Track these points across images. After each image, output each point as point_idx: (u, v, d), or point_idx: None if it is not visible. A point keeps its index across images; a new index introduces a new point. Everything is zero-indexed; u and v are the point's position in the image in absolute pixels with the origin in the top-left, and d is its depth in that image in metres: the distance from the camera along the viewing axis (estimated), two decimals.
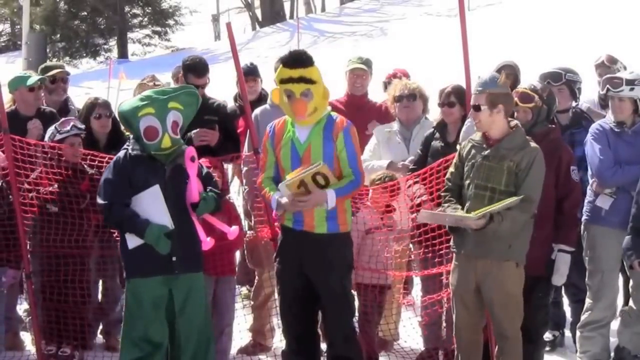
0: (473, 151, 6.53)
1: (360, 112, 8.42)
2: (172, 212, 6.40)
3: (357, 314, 7.01)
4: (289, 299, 6.58)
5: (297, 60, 6.37)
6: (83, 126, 7.75)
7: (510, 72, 7.51)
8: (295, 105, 6.38)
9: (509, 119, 6.53)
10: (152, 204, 6.39)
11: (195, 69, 7.99)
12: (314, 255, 6.43)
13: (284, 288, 6.62)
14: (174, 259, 6.44)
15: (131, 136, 6.60)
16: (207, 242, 6.54)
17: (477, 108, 6.45)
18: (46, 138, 7.68)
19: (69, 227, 7.50)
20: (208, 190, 6.63)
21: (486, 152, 6.45)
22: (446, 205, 6.52)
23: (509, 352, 6.55)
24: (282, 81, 6.42)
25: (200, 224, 6.56)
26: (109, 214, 6.47)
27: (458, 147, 6.68)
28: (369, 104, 8.70)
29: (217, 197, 6.64)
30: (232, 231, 6.71)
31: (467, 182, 6.51)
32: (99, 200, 6.51)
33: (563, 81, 7.81)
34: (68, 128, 7.60)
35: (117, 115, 7.36)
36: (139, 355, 6.47)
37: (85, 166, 7.57)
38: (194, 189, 6.47)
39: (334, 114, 6.56)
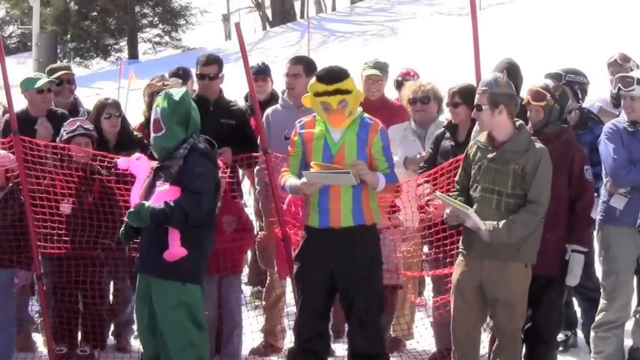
0: (479, 153, 6.55)
1: (377, 114, 8.39)
2: None
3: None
4: (310, 299, 6.55)
5: (332, 77, 6.44)
6: (91, 127, 7.75)
7: (509, 69, 7.49)
8: (333, 116, 6.46)
9: (515, 119, 6.52)
10: None
11: (203, 60, 8.06)
12: (341, 249, 6.45)
13: (306, 287, 6.58)
14: (137, 255, 6.39)
15: None
16: (168, 254, 6.08)
17: (479, 108, 6.48)
18: (57, 139, 7.69)
19: (79, 228, 7.51)
20: (172, 200, 6.05)
21: (492, 155, 6.46)
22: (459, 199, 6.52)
23: (507, 350, 6.57)
24: (317, 94, 6.46)
25: (176, 234, 6.14)
26: None
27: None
28: (385, 104, 8.64)
29: (167, 212, 6.00)
30: (173, 252, 6.08)
31: (475, 184, 6.53)
32: None
33: (563, 82, 7.75)
34: (74, 128, 7.62)
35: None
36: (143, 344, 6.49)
37: (98, 167, 7.55)
38: (134, 194, 6.26)
39: (366, 116, 6.62)
